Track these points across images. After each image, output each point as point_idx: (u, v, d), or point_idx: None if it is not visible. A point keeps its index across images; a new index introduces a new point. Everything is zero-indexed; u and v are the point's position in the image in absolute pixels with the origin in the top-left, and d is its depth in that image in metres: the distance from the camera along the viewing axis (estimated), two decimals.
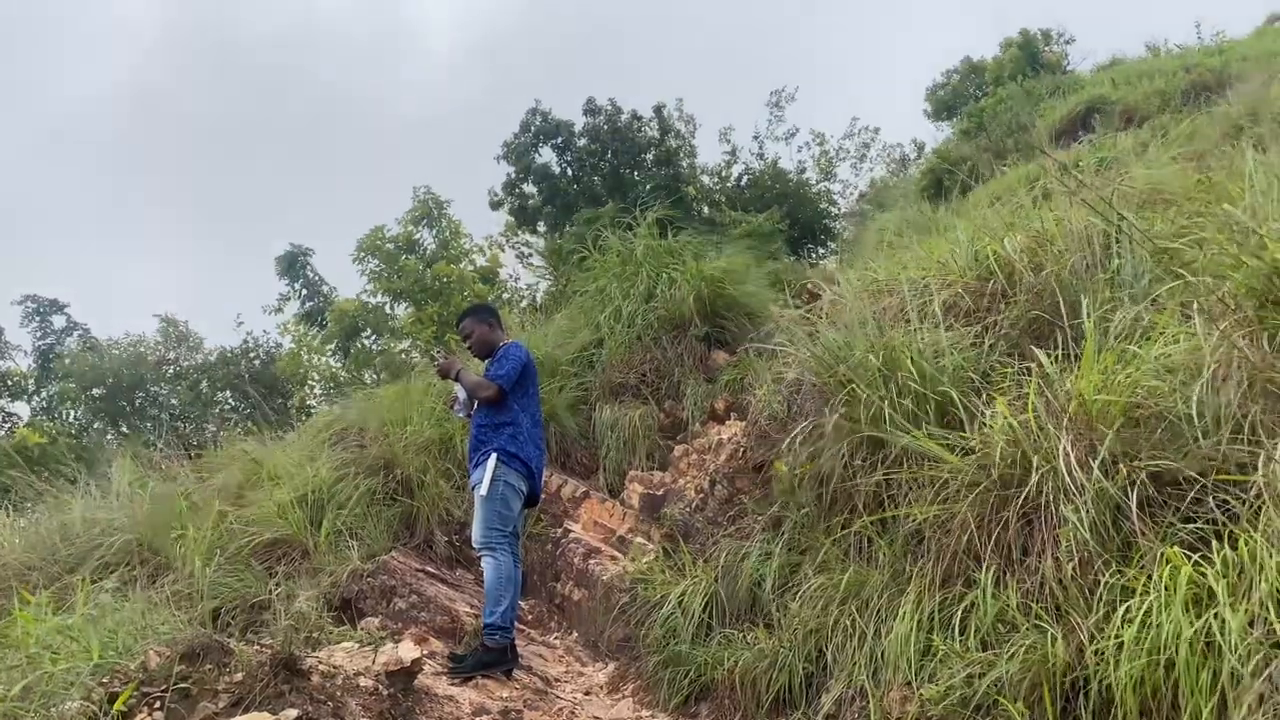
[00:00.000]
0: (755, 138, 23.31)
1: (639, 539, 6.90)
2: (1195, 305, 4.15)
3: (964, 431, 4.16)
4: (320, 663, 4.03)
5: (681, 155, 20.77)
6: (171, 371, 17.30)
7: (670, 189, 18.71)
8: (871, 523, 4.36)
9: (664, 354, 9.20)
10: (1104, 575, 3.12)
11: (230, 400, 16.60)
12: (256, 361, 15.73)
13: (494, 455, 5.17)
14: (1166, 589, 2.80)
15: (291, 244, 15.66)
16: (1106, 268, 4.94)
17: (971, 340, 4.85)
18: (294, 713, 3.52)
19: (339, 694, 3.84)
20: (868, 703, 3.65)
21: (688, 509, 6.48)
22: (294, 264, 15.72)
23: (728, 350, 9.23)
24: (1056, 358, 4.18)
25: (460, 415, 5.63)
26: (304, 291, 15.74)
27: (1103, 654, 2.91)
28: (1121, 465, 3.28)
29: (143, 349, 16.52)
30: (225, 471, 7.98)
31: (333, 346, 12.51)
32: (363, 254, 12.37)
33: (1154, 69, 16.00)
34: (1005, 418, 3.88)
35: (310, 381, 12.76)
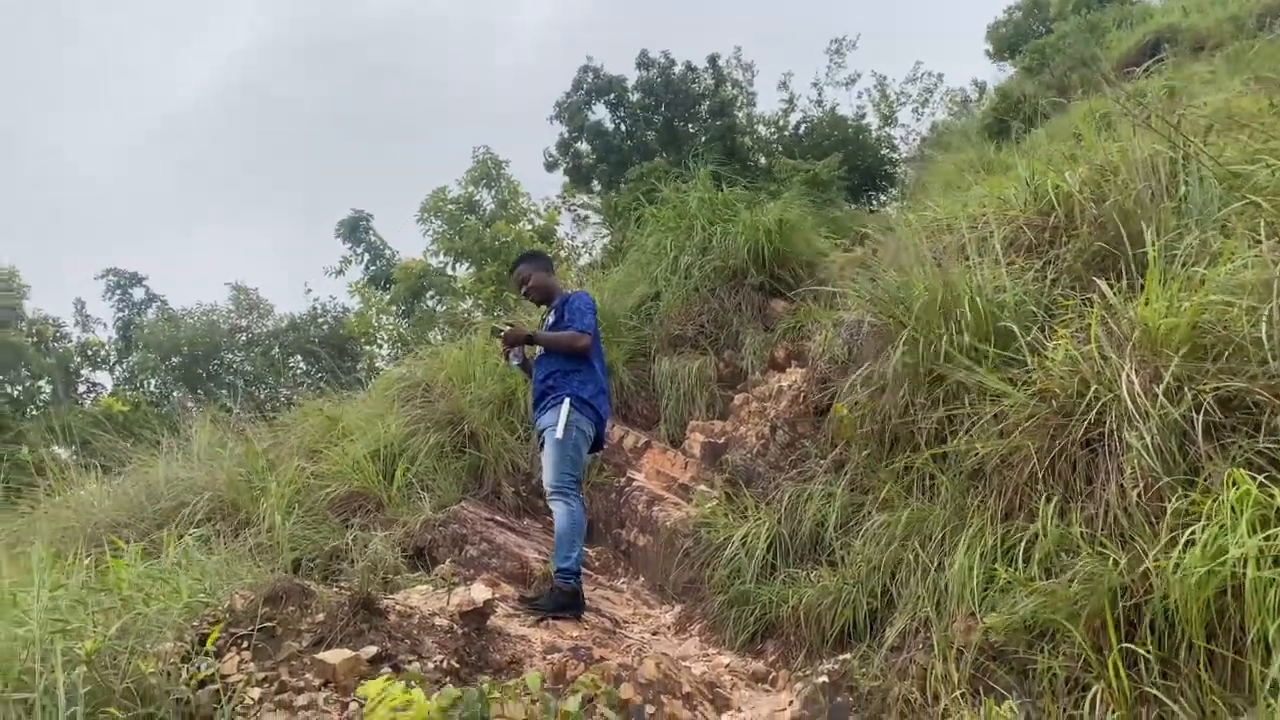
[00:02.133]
0: (814, 84, 22.97)
1: (702, 486, 6.97)
2: (1264, 228, 4.07)
3: (1025, 366, 4.13)
4: (397, 604, 4.19)
5: (738, 105, 20.54)
6: (244, 339, 17.77)
7: (725, 140, 18.54)
8: (933, 459, 4.37)
9: (721, 305, 9.21)
10: (1169, 500, 3.10)
11: (301, 365, 17.02)
12: (325, 326, 16.10)
13: (568, 400, 5.21)
14: (1233, 510, 2.78)
15: (354, 209, 15.95)
16: (1172, 196, 4.83)
17: (1033, 275, 4.79)
18: (374, 649, 3.67)
19: (416, 632, 3.99)
20: (931, 633, 3.68)
21: (749, 455, 6.53)
22: (356, 228, 15.98)
23: (785, 299, 9.20)
24: (1120, 289, 4.12)
25: (515, 365, 5.68)
26: (366, 256, 16.02)
27: (1166, 577, 2.90)
28: (1187, 390, 3.23)
29: (215, 317, 17.01)
30: (300, 429, 8.22)
31: (398, 307, 12.74)
32: (426, 215, 12.53)
33: None
34: (1067, 348, 3.85)
35: (378, 343, 13.04)
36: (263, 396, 15.84)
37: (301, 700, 3.39)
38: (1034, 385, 3.95)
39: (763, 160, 20.43)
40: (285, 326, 16.58)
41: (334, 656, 3.53)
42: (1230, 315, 3.51)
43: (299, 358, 16.30)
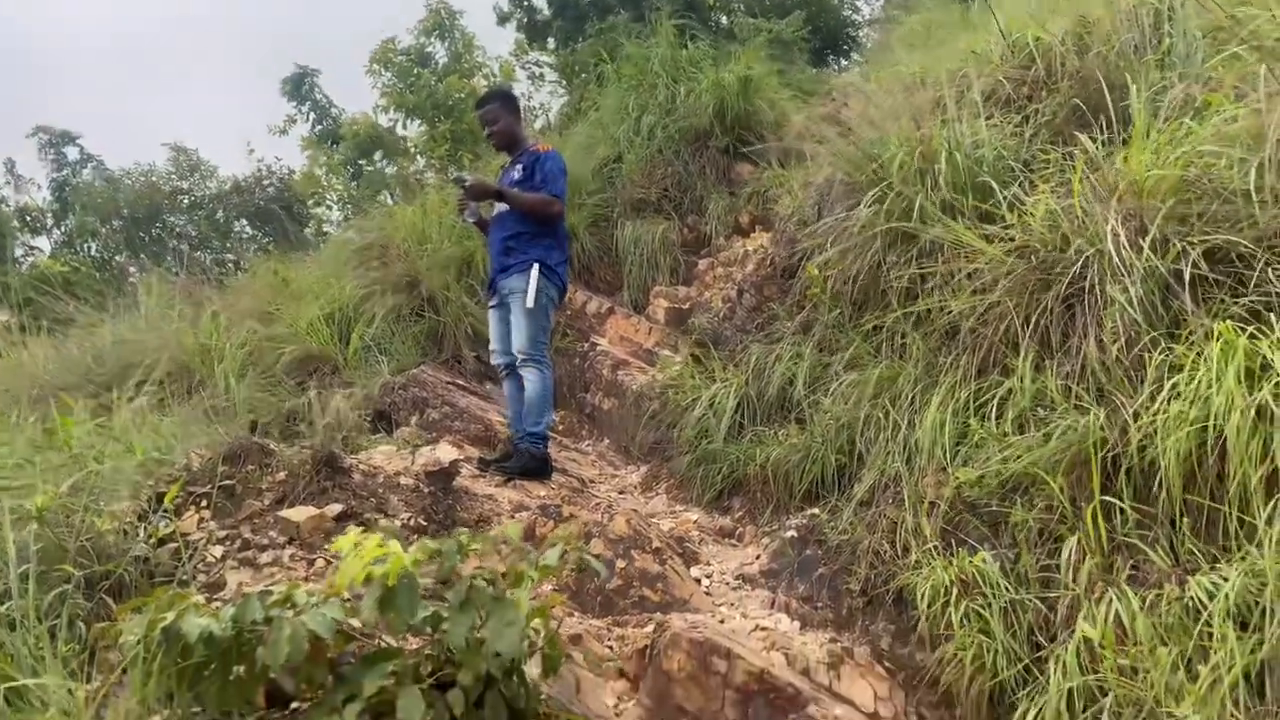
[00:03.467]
0: None
1: (666, 351, 6.91)
2: (1253, 79, 3.95)
3: (1003, 222, 4.04)
4: (360, 463, 4.10)
5: None
6: (187, 202, 17.14)
7: None
8: (904, 317, 4.31)
9: (685, 168, 8.96)
10: (1151, 354, 3.06)
11: (249, 229, 16.50)
12: (270, 189, 15.54)
13: (536, 266, 5.02)
14: (1218, 363, 2.75)
15: (297, 65, 15.17)
16: (1156, 48, 4.67)
17: (1012, 130, 4.66)
18: (338, 507, 3.60)
19: (381, 491, 3.92)
20: (901, 488, 3.69)
21: (715, 319, 6.46)
22: (300, 85, 15.26)
23: (751, 162, 8.97)
24: (1102, 143, 4.01)
25: (470, 221, 5.43)
26: (312, 114, 15.34)
27: (1147, 430, 2.89)
28: (1173, 243, 3.17)
29: (155, 179, 16.32)
30: (250, 291, 7.98)
31: (348, 168, 12.26)
32: (375, 67, 11.95)
33: None
34: (1048, 203, 3.75)
35: (327, 204, 12.63)
36: (209, 261, 15.37)
37: (266, 557, 3.33)
38: (1012, 241, 3.86)
39: (724, 20, 19.70)
40: (229, 189, 15.97)
41: (298, 514, 3.46)
42: (1218, 167, 3.42)
43: (245, 221, 15.78)
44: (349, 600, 2.34)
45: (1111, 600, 2.64)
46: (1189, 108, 4.05)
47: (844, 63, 20.94)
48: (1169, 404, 2.83)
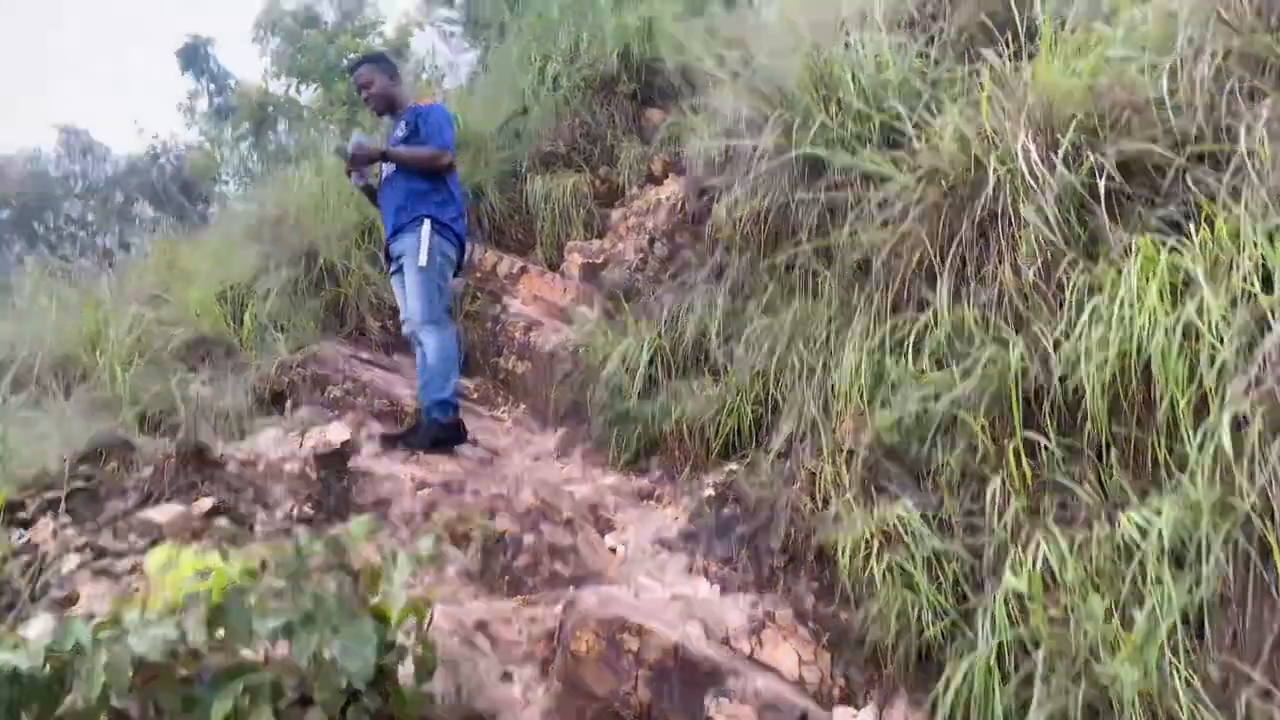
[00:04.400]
0: None
1: (583, 308, 6.61)
2: None
3: (911, 149, 3.81)
4: (239, 451, 3.77)
5: None
6: (81, 186, 16.28)
7: None
8: (816, 254, 4.07)
9: (594, 117, 8.61)
10: (1070, 275, 2.86)
11: (149, 210, 15.72)
12: (167, 166, 14.78)
13: (427, 222, 4.75)
14: (1138, 281, 2.55)
15: (189, 34, 14.35)
16: None
17: (917, 51, 4.41)
18: (209, 502, 3.28)
19: (261, 481, 3.60)
20: (820, 437, 3.47)
21: (628, 271, 6.18)
22: (195, 57, 14.46)
23: (660, 108, 8.65)
24: (1010, 57, 3.79)
25: (358, 183, 5.16)
26: (211, 86, 14.56)
27: (1069, 358, 2.69)
28: (1087, 156, 2.95)
29: (43, 164, 15.43)
30: (137, 274, 7.49)
31: (245, 139, 11.63)
32: (260, 32, 11.30)
33: None
34: (956, 123, 3.52)
35: (224, 180, 11.99)
36: (111, 246, 14.63)
37: (125, 564, 3.00)
38: (921, 167, 3.63)
39: None
40: (124, 170, 15.15)
41: (161, 514, 3.13)
42: (1129, 73, 3.21)
43: (145, 202, 15.00)
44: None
45: (1039, 544, 2.44)
46: (1096, 14, 3.85)
47: (754, 2, 20.60)
48: (1090, 329, 2.62)
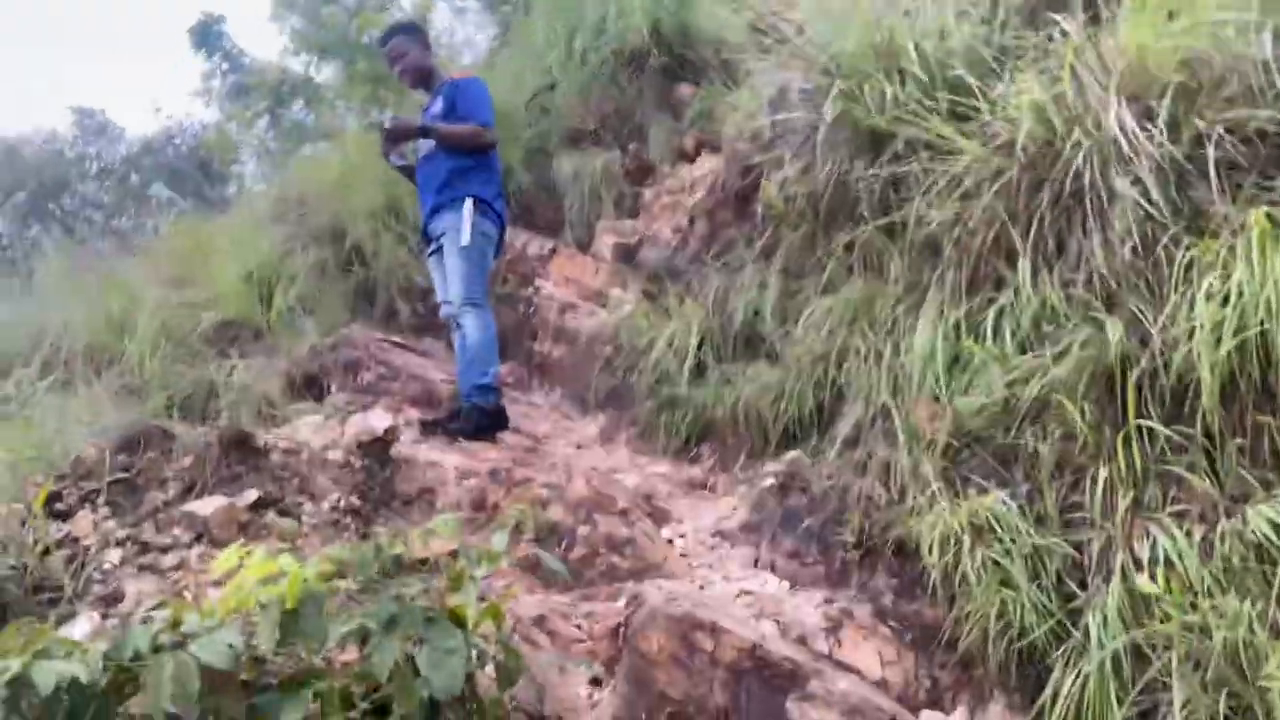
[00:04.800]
0: None
1: (616, 290, 6.44)
2: None
3: (982, 119, 3.61)
4: (281, 439, 3.62)
5: None
6: (96, 168, 16.14)
7: None
8: (878, 230, 3.88)
9: (623, 92, 8.36)
10: (1171, 252, 2.68)
11: (166, 191, 15.58)
12: (183, 147, 14.61)
13: (469, 201, 4.58)
14: (1259, 257, 2.36)
15: (202, 12, 14.15)
16: None
17: (981, 18, 4.21)
18: (254, 494, 3.13)
19: (306, 470, 3.45)
20: (892, 423, 3.30)
21: (667, 251, 6.00)
22: (208, 35, 14.26)
23: (692, 83, 8.43)
24: (1085, 24, 3.58)
25: (397, 164, 4.98)
26: (224, 65, 14.37)
27: (1175, 339, 2.51)
28: (1190, 121, 2.76)
29: (58, 145, 15.28)
30: (162, 256, 7.35)
31: (261, 114, 11.45)
32: (279, 9, 11.10)
33: None
34: (1033, 91, 3.33)
35: (242, 160, 11.81)
36: (128, 227, 14.51)
37: (170, 560, 2.86)
38: (997, 139, 3.44)
39: None
40: (139, 151, 14.99)
41: (205, 506, 2.98)
42: (1225, 38, 3.02)
43: (161, 184, 14.85)
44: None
45: (1155, 540, 2.27)
46: None
47: None
48: (1202, 308, 2.44)
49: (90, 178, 15.82)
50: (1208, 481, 2.38)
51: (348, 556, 1.77)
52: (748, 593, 3.10)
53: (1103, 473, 2.49)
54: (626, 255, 6.68)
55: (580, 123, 8.30)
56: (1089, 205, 3.02)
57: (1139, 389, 2.59)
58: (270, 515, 3.09)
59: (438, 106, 4.80)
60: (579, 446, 4.88)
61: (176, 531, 2.98)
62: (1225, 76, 2.91)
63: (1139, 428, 2.52)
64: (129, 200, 15.47)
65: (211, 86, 14.42)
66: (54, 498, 3.21)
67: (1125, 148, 2.82)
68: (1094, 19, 3.70)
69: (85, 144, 15.90)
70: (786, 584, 3.20)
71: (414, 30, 5.11)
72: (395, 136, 4.79)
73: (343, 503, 3.35)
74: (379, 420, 3.91)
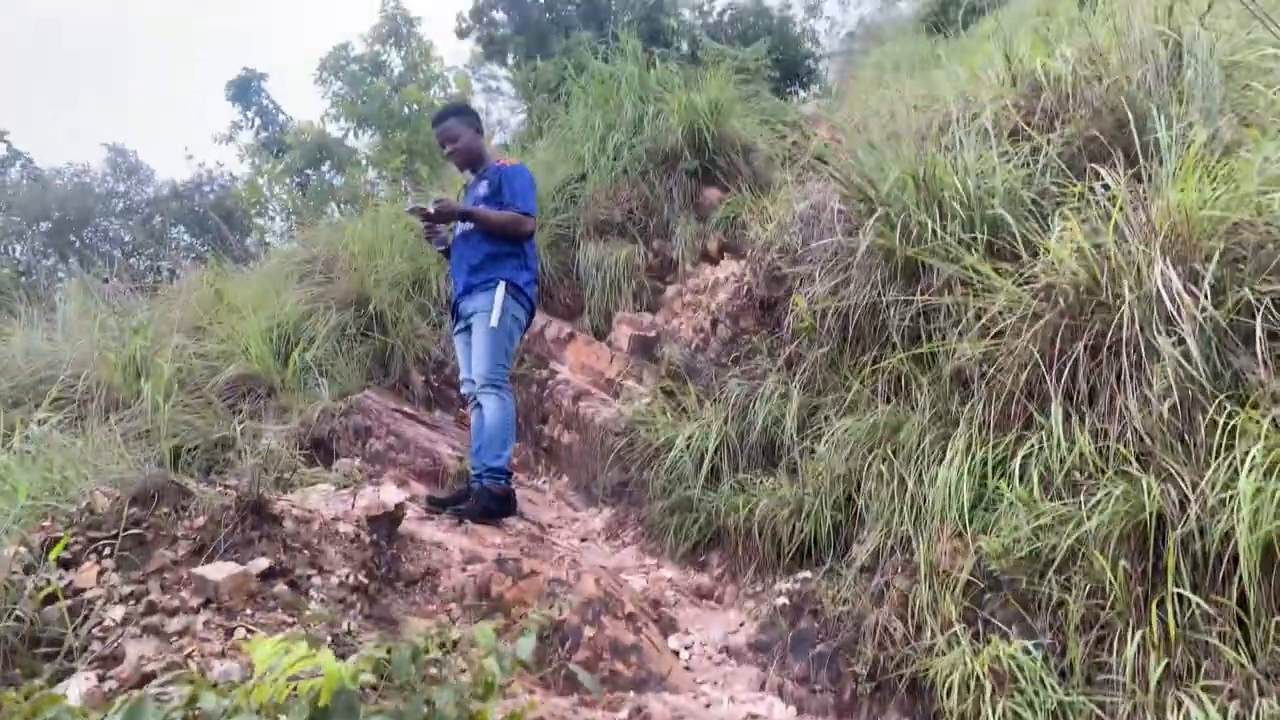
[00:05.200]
0: None
1: (630, 382, 6.47)
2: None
3: (1019, 260, 3.68)
4: (294, 506, 3.58)
5: None
6: (122, 206, 16.33)
7: (650, 20, 17.56)
8: (908, 359, 3.91)
9: (652, 189, 8.55)
10: (1206, 416, 2.69)
11: (186, 236, 15.73)
12: (211, 195, 14.79)
13: (503, 284, 4.63)
14: None
15: (245, 68, 14.49)
16: (1175, 81, 4.37)
17: (1022, 162, 4.32)
18: (265, 562, 3.08)
19: (316, 541, 3.40)
20: (912, 555, 3.27)
21: (687, 350, 6.03)
22: (247, 90, 14.56)
23: (720, 187, 8.60)
24: (1131, 178, 3.67)
25: (438, 246, 5.04)
26: (257, 120, 14.66)
27: (1213, 505, 2.50)
28: (1236, 289, 2.80)
29: (88, 179, 15.48)
30: (182, 303, 7.37)
31: (293, 178, 11.60)
32: (325, 74, 11.33)
33: None
34: (1077, 238, 3.39)
35: (269, 214, 11.96)
36: (143, 268, 14.61)
37: (175, 624, 2.79)
38: (1036, 281, 3.49)
39: (685, 47, 19.47)
40: (167, 194, 15.17)
41: (216, 571, 2.93)
42: (1272, 208, 3.09)
43: (183, 228, 15.00)
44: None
45: (1188, 711, 2.23)
46: (1217, 144, 3.75)
47: (803, 94, 20.83)
48: (1241, 479, 2.44)
49: (115, 215, 16.00)
50: (1241, 655, 2.35)
51: (386, 656, 1.73)
52: (754, 716, 3.03)
53: (1135, 635, 2.46)
54: (643, 348, 6.72)
55: (607, 214, 8.44)
56: (1126, 358, 3.05)
57: (1172, 550, 2.58)
58: (280, 586, 3.04)
59: (482, 189, 4.88)
60: (584, 539, 4.84)
61: (184, 594, 2.92)
62: (1270, 248, 2.96)
63: (1171, 593, 2.49)
64: (150, 240, 15.62)
65: (238, 137, 14.72)
66: (56, 543, 3.16)
67: (1169, 306, 2.85)
68: (1135, 175, 3.80)
69: (115, 181, 16.11)
70: (794, 709, 3.14)
71: (468, 113, 5.20)
72: (440, 218, 4.84)
73: (351, 579, 3.29)
74: (390, 495, 3.88)
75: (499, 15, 18.04)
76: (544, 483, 5.95)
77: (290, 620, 2.95)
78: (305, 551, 3.31)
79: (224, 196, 14.69)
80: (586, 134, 9.30)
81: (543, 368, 6.87)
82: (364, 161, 11.08)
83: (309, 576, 3.20)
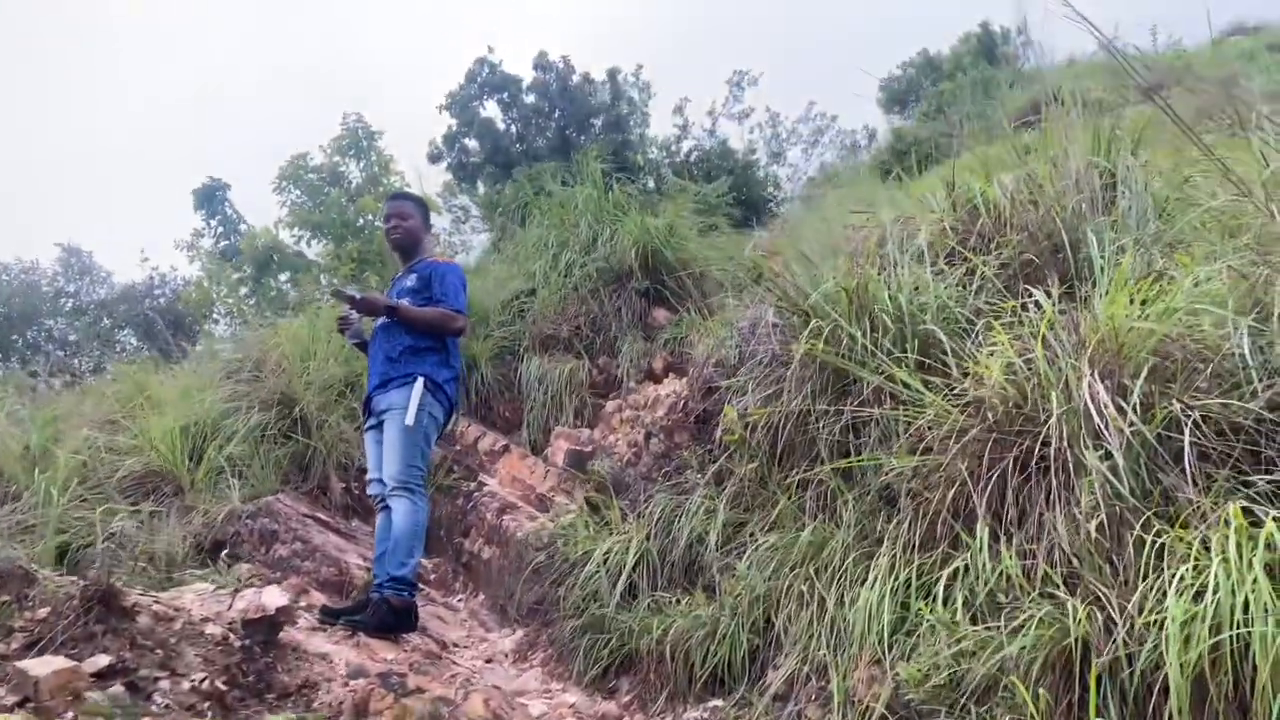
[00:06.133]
0: (710, 113, 22.60)
1: (561, 498, 6.20)
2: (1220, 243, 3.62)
3: (949, 375, 3.55)
4: (156, 602, 3.25)
5: (632, 124, 20.00)
6: (71, 305, 16.06)
7: (618, 155, 17.99)
8: (835, 473, 3.72)
9: (601, 307, 8.46)
10: (1133, 535, 2.51)
11: (133, 339, 15.43)
12: (161, 299, 14.58)
13: (421, 380, 4.42)
14: (1231, 556, 2.19)
15: (210, 177, 14.54)
16: (1110, 210, 4.39)
17: (957, 281, 4.25)
18: (104, 660, 2.75)
19: (174, 641, 3.07)
20: (827, 682, 3.00)
21: (618, 464, 5.80)
22: (212, 198, 14.59)
23: (669, 308, 8.55)
24: (1058, 299, 3.60)
25: (353, 341, 4.84)
26: (220, 229, 14.63)
27: (1140, 632, 2.29)
28: (1165, 404, 2.67)
29: (36, 277, 15.24)
30: (98, 396, 7.08)
31: (245, 280, 11.45)
32: (283, 183, 11.32)
33: (1113, 67, 15.64)
34: (1007, 353, 3.27)
35: (215, 317, 11.74)
36: (84, 368, 14.24)
37: None
38: (964, 396, 3.35)
39: (651, 184, 19.93)
40: (116, 296, 14.94)
41: (40, 666, 2.60)
42: (1200, 330, 2.99)
43: (130, 331, 14.72)
44: None
45: None
46: (1151, 270, 3.70)
47: (764, 233, 21.25)
48: (1170, 602, 2.24)
49: (63, 314, 15.71)
50: None
51: None
52: None
53: None
54: (579, 463, 6.47)
55: (554, 329, 8.33)
56: (1054, 475, 2.88)
57: (1099, 681, 2.35)
58: (116, 687, 2.70)
59: (410, 281, 4.73)
60: (488, 660, 4.48)
61: (2, 691, 2.58)
62: (1199, 366, 2.85)
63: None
64: (95, 342, 15.30)
65: (200, 244, 14.62)
66: None
67: (1096, 421, 2.71)
68: (1069, 294, 3.73)
69: (66, 281, 15.88)
70: None
71: (421, 203, 5.11)
72: (363, 310, 4.67)
73: (206, 685, 2.95)
74: (272, 598, 3.56)
75: (471, 143, 18.45)
76: (460, 600, 5.60)
77: None
78: (158, 651, 2.97)
79: (174, 301, 14.49)
80: (540, 251, 9.29)
81: (471, 480, 6.59)
82: (315, 270, 10.98)
83: (156, 679, 2.86)
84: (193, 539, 5.19)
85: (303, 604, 4.42)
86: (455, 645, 4.54)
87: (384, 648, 3.97)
